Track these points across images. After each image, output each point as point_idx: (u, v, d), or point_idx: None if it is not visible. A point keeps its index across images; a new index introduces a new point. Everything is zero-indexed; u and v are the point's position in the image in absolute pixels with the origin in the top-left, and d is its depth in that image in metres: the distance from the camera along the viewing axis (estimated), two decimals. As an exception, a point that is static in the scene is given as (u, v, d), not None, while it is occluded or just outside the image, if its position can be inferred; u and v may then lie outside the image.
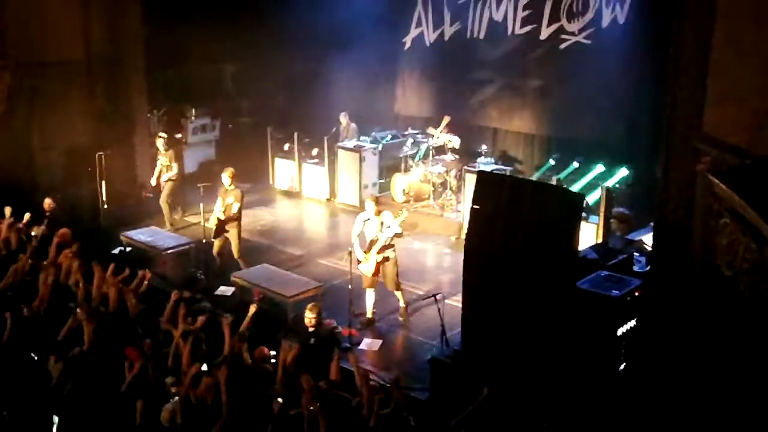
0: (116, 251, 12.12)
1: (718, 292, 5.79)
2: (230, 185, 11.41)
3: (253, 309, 8.62)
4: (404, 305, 10.23)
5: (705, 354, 6.01)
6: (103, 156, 13.88)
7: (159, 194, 13.84)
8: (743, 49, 5.87)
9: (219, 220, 11.33)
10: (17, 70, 13.98)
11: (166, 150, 13.65)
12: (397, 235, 9.93)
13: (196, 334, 7.79)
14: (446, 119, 14.25)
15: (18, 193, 12.77)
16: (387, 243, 9.83)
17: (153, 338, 8.05)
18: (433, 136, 14.28)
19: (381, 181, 15.07)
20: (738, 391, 5.70)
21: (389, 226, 9.75)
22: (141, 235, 12.28)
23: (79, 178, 14.58)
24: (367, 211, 9.98)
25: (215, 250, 11.59)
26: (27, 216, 11.36)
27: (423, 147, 14.55)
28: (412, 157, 14.73)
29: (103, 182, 13.76)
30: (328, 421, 6.46)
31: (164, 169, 13.66)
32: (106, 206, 14.00)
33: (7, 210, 11.04)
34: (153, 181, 13.96)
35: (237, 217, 11.47)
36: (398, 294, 10.21)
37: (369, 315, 10.23)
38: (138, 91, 15.46)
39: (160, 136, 13.99)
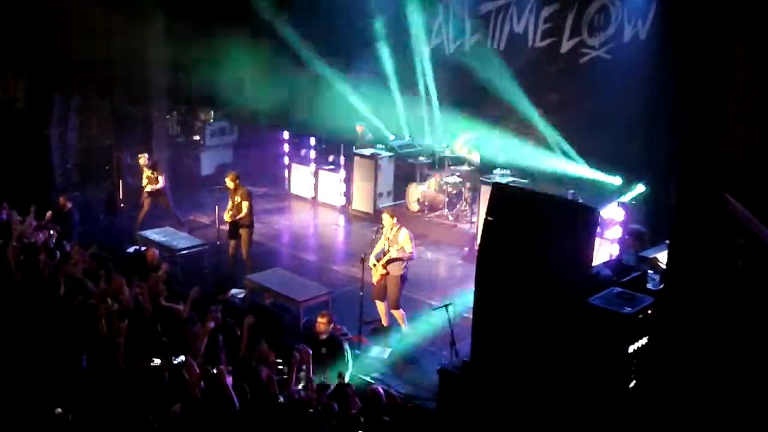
0: (131, 250, 12.18)
1: (731, 312, 5.75)
2: (234, 187, 11.49)
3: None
4: (403, 331, 10.05)
5: (716, 374, 5.96)
6: (120, 156, 13.96)
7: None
8: (764, 69, 5.83)
9: (232, 220, 11.43)
10: (37, 69, 14.11)
11: (150, 167, 13.36)
12: (409, 258, 9.88)
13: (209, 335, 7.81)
14: (463, 138, 14.24)
15: (34, 191, 12.87)
16: (394, 258, 9.83)
17: (170, 338, 8.08)
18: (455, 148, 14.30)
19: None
20: (750, 412, 5.65)
21: (402, 246, 9.76)
22: (156, 235, 12.33)
23: (96, 177, 14.68)
24: (385, 225, 9.98)
25: (230, 251, 11.64)
26: (49, 214, 11.46)
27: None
28: (429, 165, 14.72)
29: (121, 182, 13.83)
30: None
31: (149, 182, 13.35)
32: (122, 205, 14.09)
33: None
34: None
35: (249, 221, 11.52)
36: (396, 315, 10.02)
37: (384, 323, 10.22)
38: (157, 94, 15.59)
39: (141, 157, 13.56)
